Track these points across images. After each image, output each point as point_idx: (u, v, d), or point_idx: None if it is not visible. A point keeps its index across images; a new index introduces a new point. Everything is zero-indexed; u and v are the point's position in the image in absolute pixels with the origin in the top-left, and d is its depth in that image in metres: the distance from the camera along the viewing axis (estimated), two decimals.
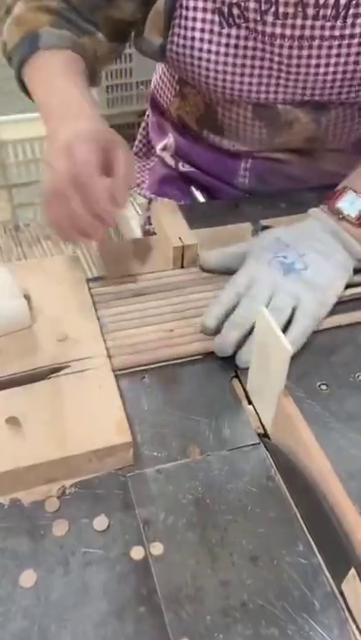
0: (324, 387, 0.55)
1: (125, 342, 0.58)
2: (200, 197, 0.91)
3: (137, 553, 0.44)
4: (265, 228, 0.70)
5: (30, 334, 0.57)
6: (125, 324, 0.60)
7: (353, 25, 0.64)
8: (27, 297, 0.58)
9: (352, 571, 0.40)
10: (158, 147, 0.95)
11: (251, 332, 0.56)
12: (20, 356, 0.54)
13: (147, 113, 0.99)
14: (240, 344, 0.56)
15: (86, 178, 0.55)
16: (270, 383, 0.48)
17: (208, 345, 0.58)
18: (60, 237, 0.60)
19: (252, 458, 0.50)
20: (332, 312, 0.62)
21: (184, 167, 0.90)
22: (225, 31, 0.66)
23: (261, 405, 0.52)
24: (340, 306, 0.63)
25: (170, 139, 0.91)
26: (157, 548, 0.44)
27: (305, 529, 0.44)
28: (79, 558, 0.43)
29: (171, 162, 0.92)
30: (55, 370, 0.53)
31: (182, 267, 0.68)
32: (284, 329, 0.57)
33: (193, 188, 0.91)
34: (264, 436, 0.52)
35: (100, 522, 0.45)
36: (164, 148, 0.93)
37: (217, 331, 0.58)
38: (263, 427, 0.53)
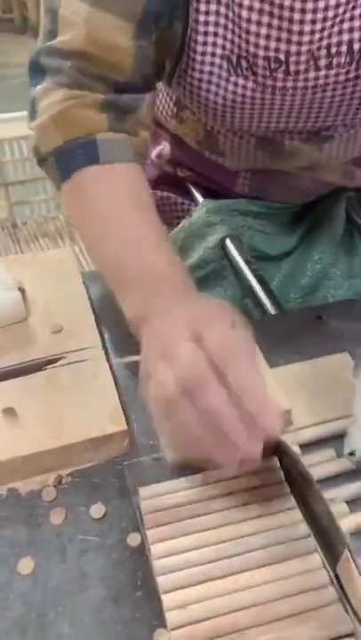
0: None
1: None
2: (199, 196, 0.90)
3: (133, 539, 0.44)
4: None
5: (26, 327, 0.57)
6: None
7: None
8: (21, 290, 0.58)
9: (345, 553, 0.40)
10: (152, 154, 0.93)
11: None
12: (16, 349, 0.55)
13: None
14: None
15: (228, 360, 0.40)
16: None
17: None
18: (192, 460, 0.44)
19: None
20: None
21: (182, 172, 0.89)
22: (233, 79, 0.61)
23: None
24: None
25: (165, 148, 0.89)
26: None
27: (301, 516, 0.45)
28: (76, 545, 0.44)
29: (168, 169, 0.91)
30: (51, 361, 0.54)
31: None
32: None
33: (191, 187, 0.90)
34: None
35: (97, 510, 0.46)
36: (158, 156, 0.92)
37: None
38: None
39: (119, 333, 0.60)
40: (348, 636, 0.38)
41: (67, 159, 0.57)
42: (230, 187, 0.85)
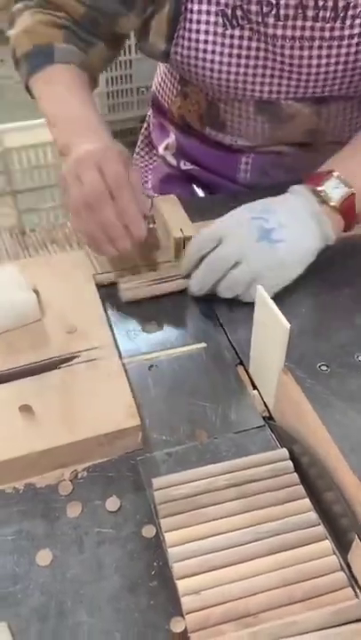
0: (324, 367, 0.56)
1: None
2: (202, 195, 0.93)
3: (148, 531, 0.45)
4: None
5: (40, 327, 0.59)
6: None
7: (351, 26, 0.66)
8: (36, 292, 0.60)
9: (356, 540, 0.41)
10: (160, 147, 0.97)
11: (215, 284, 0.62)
12: (32, 348, 0.56)
13: (148, 114, 1.01)
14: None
15: (117, 189, 0.59)
16: (271, 361, 0.49)
17: None
18: (92, 248, 0.64)
19: (258, 439, 0.51)
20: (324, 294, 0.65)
21: (185, 165, 0.92)
22: (228, 32, 0.69)
23: (264, 385, 0.54)
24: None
25: (171, 138, 0.93)
26: None
27: (311, 504, 0.46)
28: (93, 538, 0.45)
29: (172, 161, 0.94)
30: (66, 360, 0.55)
31: None
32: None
33: (195, 186, 0.93)
34: (269, 418, 0.54)
35: (112, 503, 0.47)
36: (165, 148, 0.95)
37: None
38: (268, 410, 0.54)
39: (130, 333, 0.61)
40: (358, 620, 0.39)
41: (34, 59, 0.74)
42: (232, 174, 0.88)
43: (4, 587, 0.43)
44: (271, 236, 0.62)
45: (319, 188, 0.65)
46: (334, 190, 0.65)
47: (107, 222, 0.59)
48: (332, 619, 0.39)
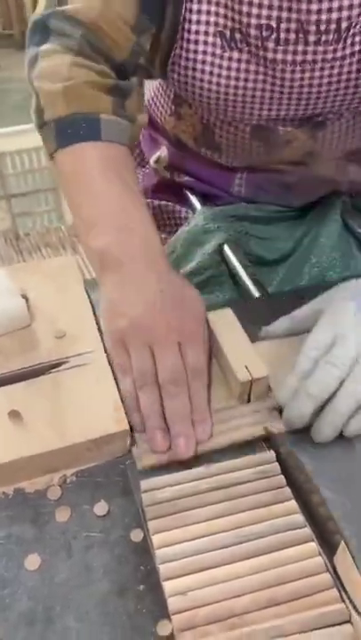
0: None
1: None
2: (196, 203, 0.92)
3: (136, 535, 0.46)
4: None
5: (30, 332, 0.59)
6: None
7: (352, 44, 0.63)
8: (25, 297, 0.60)
9: (342, 544, 0.41)
10: (151, 159, 0.96)
11: (327, 401, 0.48)
12: (21, 354, 0.57)
13: None
14: (314, 416, 0.49)
15: (193, 379, 0.51)
16: None
17: None
18: (143, 435, 0.51)
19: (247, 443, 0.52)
20: None
21: (179, 177, 0.92)
22: (227, 54, 0.65)
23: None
24: None
25: (163, 152, 0.92)
26: None
27: (297, 507, 0.46)
28: (81, 542, 0.45)
29: (165, 173, 0.93)
30: (54, 365, 0.55)
31: (249, 401, 0.54)
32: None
33: (188, 194, 0.92)
34: None
35: (101, 507, 0.47)
36: (156, 161, 0.94)
37: None
38: None
39: None
40: (343, 623, 0.39)
41: (68, 129, 0.60)
42: (226, 188, 0.87)
43: None
44: None
45: None
46: None
47: (176, 412, 0.49)
48: (319, 621, 0.39)
